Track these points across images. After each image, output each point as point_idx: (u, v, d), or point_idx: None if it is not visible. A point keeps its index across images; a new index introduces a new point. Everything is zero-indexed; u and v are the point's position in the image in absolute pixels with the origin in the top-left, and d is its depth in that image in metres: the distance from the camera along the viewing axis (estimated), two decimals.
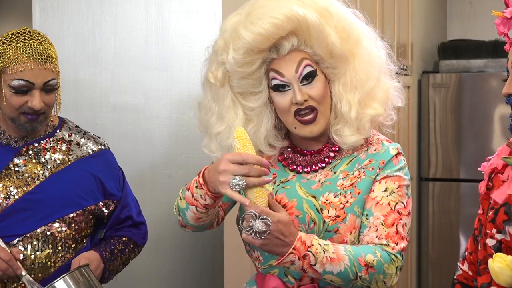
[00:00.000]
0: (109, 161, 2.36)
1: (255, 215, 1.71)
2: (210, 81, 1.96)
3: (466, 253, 1.92)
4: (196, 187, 1.83)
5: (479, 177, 1.89)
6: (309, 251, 1.73)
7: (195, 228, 1.98)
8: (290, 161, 1.95)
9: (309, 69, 1.86)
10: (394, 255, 1.80)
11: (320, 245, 1.75)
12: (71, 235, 2.23)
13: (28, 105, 2.14)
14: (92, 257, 2.20)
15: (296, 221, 1.85)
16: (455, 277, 1.94)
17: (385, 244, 1.80)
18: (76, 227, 2.24)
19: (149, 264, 2.87)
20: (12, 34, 2.17)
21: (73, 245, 2.25)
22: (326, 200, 1.86)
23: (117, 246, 2.31)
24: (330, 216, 1.84)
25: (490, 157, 1.85)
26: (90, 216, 2.29)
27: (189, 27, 2.93)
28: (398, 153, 1.90)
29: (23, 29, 2.18)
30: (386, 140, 1.95)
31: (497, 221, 1.72)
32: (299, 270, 1.76)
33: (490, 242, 1.73)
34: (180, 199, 1.93)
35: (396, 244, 1.81)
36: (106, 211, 2.32)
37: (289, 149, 1.97)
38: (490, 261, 1.63)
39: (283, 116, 1.92)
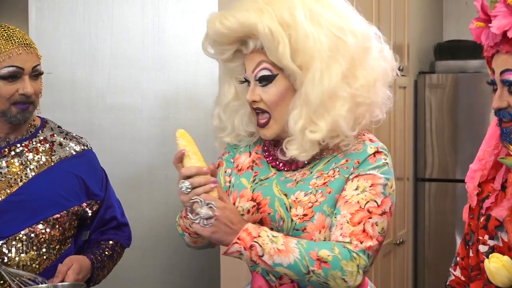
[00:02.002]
0: (91, 161, 2.34)
1: (201, 201, 1.73)
2: (205, 53, 1.98)
3: (458, 258, 1.90)
4: (184, 217, 1.89)
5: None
6: (255, 241, 1.74)
7: (198, 248, 2.04)
8: (272, 158, 1.96)
9: (264, 72, 1.85)
10: (356, 253, 1.75)
11: (269, 236, 1.75)
12: (55, 237, 2.22)
13: (20, 92, 2.13)
14: (84, 264, 2.18)
15: (268, 219, 1.87)
16: (447, 283, 1.93)
17: (348, 242, 1.77)
18: (60, 228, 2.22)
19: (145, 265, 2.87)
20: None
21: (57, 247, 2.23)
22: (296, 198, 1.85)
23: (106, 252, 2.30)
24: (297, 215, 1.83)
25: (473, 166, 1.82)
26: (74, 217, 2.27)
27: (186, 27, 2.93)
28: (377, 152, 1.86)
29: (0, 25, 2.18)
30: (370, 139, 1.91)
31: (489, 227, 1.71)
32: (250, 262, 1.77)
33: (483, 248, 1.72)
34: (178, 225, 1.98)
35: (361, 243, 1.76)
36: (89, 211, 2.30)
37: (274, 146, 1.97)
38: (486, 261, 1.62)
39: (250, 110, 1.94)
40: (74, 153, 2.29)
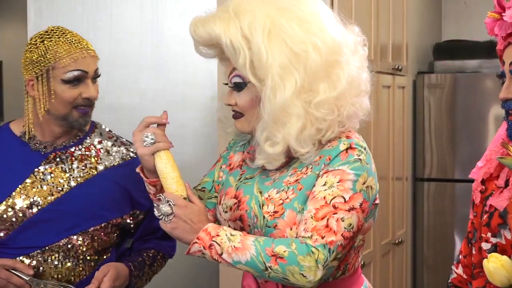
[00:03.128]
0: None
1: (163, 198, 1.83)
2: (196, 52, 2.01)
3: (460, 256, 1.91)
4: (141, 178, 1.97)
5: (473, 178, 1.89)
6: (213, 240, 1.78)
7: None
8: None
9: (236, 79, 1.88)
10: (315, 247, 1.75)
11: (227, 235, 1.79)
12: (94, 248, 2.18)
13: (83, 96, 2.10)
14: (122, 272, 2.15)
15: (245, 216, 1.90)
16: (449, 281, 1.93)
17: (308, 237, 1.77)
18: (100, 240, 2.19)
19: None
20: (46, 32, 2.14)
21: (95, 258, 2.19)
22: (269, 196, 1.88)
23: (146, 261, 2.26)
24: (269, 212, 1.86)
25: (480, 164, 1.84)
26: (115, 228, 2.23)
27: (185, 28, 2.91)
28: (350, 148, 1.85)
29: (53, 27, 2.15)
30: (347, 136, 1.88)
31: (492, 225, 1.71)
32: (211, 260, 1.80)
33: (485, 246, 1.72)
34: None
35: (322, 238, 1.76)
36: (132, 222, 2.26)
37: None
38: (485, 261, 1.63)
39: None
40: (121, 161, 2.25)
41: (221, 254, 1.78)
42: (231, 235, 1.80)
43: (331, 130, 1.85)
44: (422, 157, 4.70)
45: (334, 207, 1.79)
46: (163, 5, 2.98)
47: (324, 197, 1.80)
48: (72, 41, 2.11)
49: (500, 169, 1.77)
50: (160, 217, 1.83)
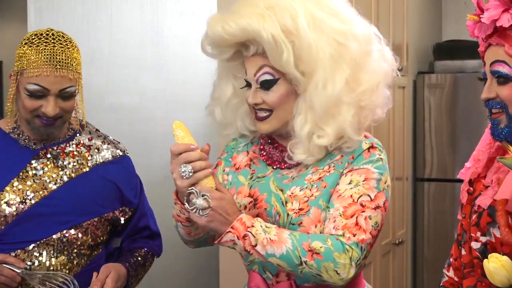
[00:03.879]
0: (128, 168, 2.31)
1: (197, 193, 1.77)
2: (204, 53, 1.98)
3: (451, 259, 1.92)
4: (175, 203, 1.88)
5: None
6: (248, 231, 1.76)
7: (194, 243, 2.04)
8: (268, 157, 1.97)
9: (266, 77, 1.86)
10: (349, 245, 1.77)
11: (262, 227, 1.77)
12: (87, 242, 2.19)
13: (41, 110, 2.08)
14: (121, 272, 2.16)
15: (265, 214, 1.88)
16: (441, 284, 1.94)
17: (341, 235, 1.78)
18: (93, 234, 2.20)
19: None
20: (35, 35, 2.11)
21: (88, 252, 2.20)
22: (292, 193, 1.87)
23: (140, 261, 2.28)
24: (293, 209, 1.85)
25: (468, 164, 1.85)
26: (107, 223, 2.24)
27: (185, 28, 2.93)
28: (372, 147, 1.88)
29: (48, 31, 2.11)
30: (365, 135, 1.92)
31: (481, 224, 1.72)
32: (243, 251, 1.78)
33: (475, 245, 1.73)
34: (172, 216, 1.99)
35: (354, 236, 1.77)
36: (122, 218, 2.28)
37: (270, 144, 1.99)
38: (485, 261, 1.63)
39: (248, 106, 1.96)
40: (111, 158, 2.26)
41: (255, 245, 1.76)
42: (266, 227, 1.78)
43: (369, 119, 1.89)
44: (422, 157, 4.70)
45: (362, 205, 1.81)
46: (163, 5, 2.97)
47: (351, 196, 1.81)
48: (45, 54, 2.06)
49: (487, 169, 1.78)
50: (194, 211, 1.78)
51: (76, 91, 2.13)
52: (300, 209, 1.85)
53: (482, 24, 1.68)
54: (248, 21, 1.81)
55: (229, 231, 1.76)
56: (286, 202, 1.87)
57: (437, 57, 4.81)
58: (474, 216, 1.75)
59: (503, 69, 1.66)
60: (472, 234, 1.74)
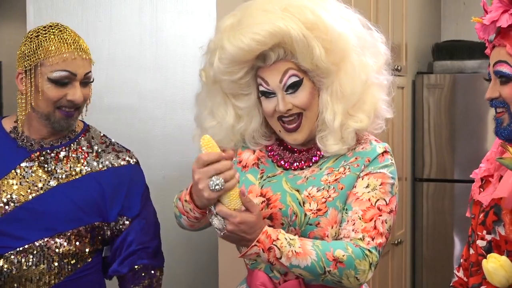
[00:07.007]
0: (128, 176, 2.20)
1: (213, 211, 1.75)
2: (202, 79, 1.98)
3: (462, 260, 1.94)
4: (186, 201, 1.87)
5: (473, 178, 1.90)
6: (274, 244, 1.76)
7: (192, 230, 2.03)
8: (278, 157, 1.97)
9: (294, 79, 1.87)
10: (368, 250, 1.79)
11: (286, 239, 1.77)
12: (71, 252, 2.10)
13: (68, 98, 2.05)
14: None
15: (279, 214, 1.89)
16: (451, 284, 1.95)
17: (360, 238, 1.80)
18: (77, 244, 2.10)
19: None
20: (43, 27, 2.09)
21: (72, 262, 2.11)
22: (309, 194, 1.88)
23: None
24: (311, 210, 1.86)
25: (482, 165, 1.87)
26: (96, 233, 2.14)
27: (184, 27, 2.93)
28: (385, 152, 1.93)
29: (51, 24, 2.10)
30: (375, 140, 1.97)
31: (487, 222, 1.73)
32: (266, 263, 1.79)
33: (481, 243, 1.75)
34: (175, 206, 1.97)
35: (373, 239, 1.80)
36: (114, 229, 2.17)
37: (279, 145, 1.99)
38: (484, 261, 1.64)
39: (268, 119, 1.96)
40: (109, 167, 2.17)
41: (280, 258, 1.76)
42: (291, 239, 1.78)
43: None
44: (421, 157, 4.70)
45: (379, 209, 1.84)
46: (162, 5, 2.97)
47: (369, 199, 1.84)
48: (66, 40, 2.06)
49: (496, 170, 1.79)
50: (212, 223, 1.77)
51: (93, 78, 2.13)
52: (318, 210, 1.86)
53: (486, 26, 1.71)
54: (273, 26, 1.81)
55: (255, 245, 1.76)
56: (303, 203, 1.87)
57: (436, 58, 4.81)
58: (481, 215, 1.77)
59: (505, 69, 1.68)
60: (479, 233, 1.76)
